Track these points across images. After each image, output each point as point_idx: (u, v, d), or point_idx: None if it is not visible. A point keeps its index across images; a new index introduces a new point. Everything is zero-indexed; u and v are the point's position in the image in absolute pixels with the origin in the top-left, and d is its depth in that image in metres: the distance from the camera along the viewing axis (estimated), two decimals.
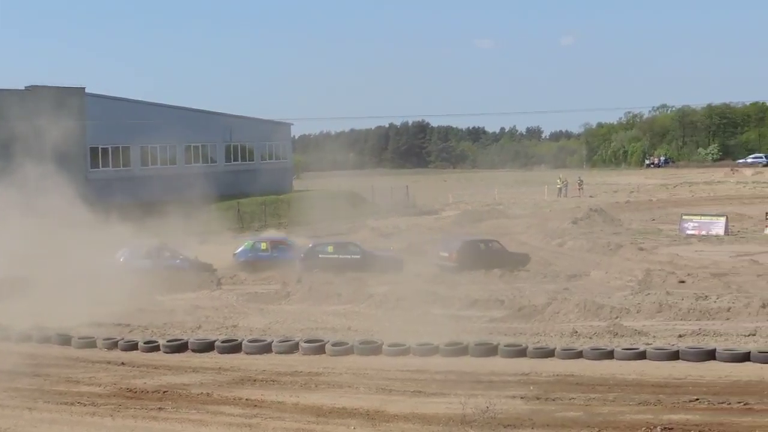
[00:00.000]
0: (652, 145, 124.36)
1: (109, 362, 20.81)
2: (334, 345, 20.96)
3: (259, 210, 53.19)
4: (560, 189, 71.64)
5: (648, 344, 20.29)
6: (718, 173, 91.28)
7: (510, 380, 18.11)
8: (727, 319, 23.15)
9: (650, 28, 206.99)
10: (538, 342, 21.08)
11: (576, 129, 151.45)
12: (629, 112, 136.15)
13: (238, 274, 33.13)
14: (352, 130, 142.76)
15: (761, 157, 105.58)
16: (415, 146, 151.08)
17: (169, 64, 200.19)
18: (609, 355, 19.55)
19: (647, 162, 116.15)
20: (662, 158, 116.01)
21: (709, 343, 20.21)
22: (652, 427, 14.80)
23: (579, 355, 19.69)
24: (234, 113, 65.36)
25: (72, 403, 17.44)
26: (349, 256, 33.37)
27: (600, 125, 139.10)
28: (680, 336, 21.14)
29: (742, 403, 15.98)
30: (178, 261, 33.13)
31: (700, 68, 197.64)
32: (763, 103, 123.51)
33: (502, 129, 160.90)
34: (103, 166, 55.84)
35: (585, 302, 24.67)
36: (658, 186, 78.84)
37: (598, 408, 16.09)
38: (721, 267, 32.43)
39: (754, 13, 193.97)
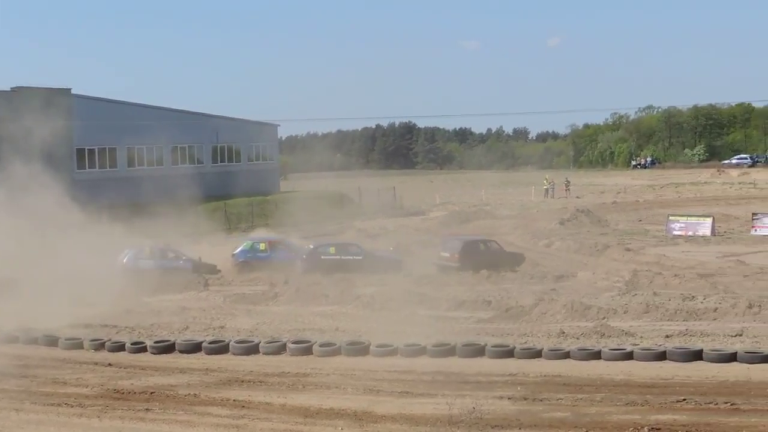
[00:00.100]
0: (638, 146, 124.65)
1: (96, 363, 20.77)
2: (321, 346, 20.96)
3: (246, 211, 53.04)
4: (547, 190, 71.71)
5: (635, 345, 20.37)
6: (705, 174, 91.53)
7: (497, 381, 18.15)
8: (714, 319, 23.28)
9: (637, 30, 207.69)
10: (526, 343, 21.14)
11: (563, 130, 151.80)
12: (616, 113, 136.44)
13: (224, 276, 33.12)
14: (338, 131, 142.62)
15: (746, 158, 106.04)
16: (402, 147, 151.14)
17: (156, 66, 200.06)
18: (596, 355, 19.63)
19: (634, 163, 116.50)
20: (649, 159, 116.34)
21: (696, 344, 20.33)
22: (639, 428, 14.86)
23: (566, 355, 19.77)
24: (221, 114, 65.40)
25: (59, 404, 17.42)
26: (351, 257, 33.28)
27: (586, 126, 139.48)
28: (667, 336, 21.25)
29: (728, 404, 16.07)
30: (181, 262, 33.24)
31: (686, 69, 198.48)
32: (748, 104, 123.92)
33: (489, 130, 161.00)
34: (89, 167, 55.63)
35: (572, 303, 24.75)
36: (644, 187, 78.98)
37: (585, 408, 16.15)
38: (707, 267, 32.54)
39: (740, 15, 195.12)
